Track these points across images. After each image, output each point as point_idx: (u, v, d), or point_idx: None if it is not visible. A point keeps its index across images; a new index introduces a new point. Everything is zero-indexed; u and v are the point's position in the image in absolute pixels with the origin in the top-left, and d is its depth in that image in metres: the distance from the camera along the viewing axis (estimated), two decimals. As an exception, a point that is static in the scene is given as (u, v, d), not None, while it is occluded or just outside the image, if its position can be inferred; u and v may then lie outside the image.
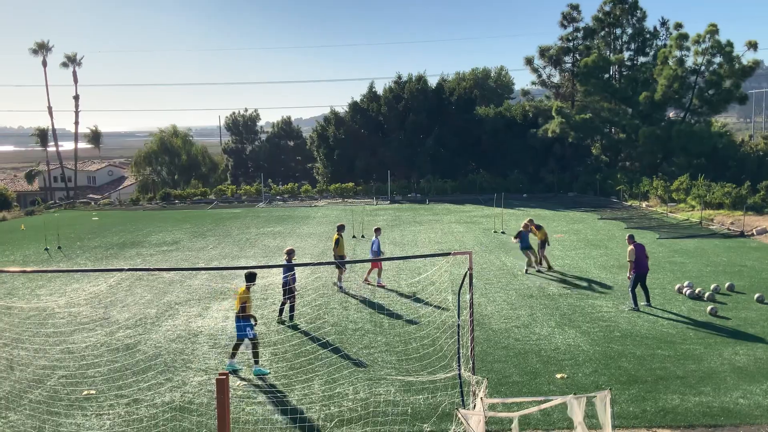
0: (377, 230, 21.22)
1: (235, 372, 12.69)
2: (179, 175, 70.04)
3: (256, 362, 12.81)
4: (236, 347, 13.04)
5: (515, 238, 22.28)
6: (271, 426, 10.43)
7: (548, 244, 22.81)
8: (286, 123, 78.59)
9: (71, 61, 69.36)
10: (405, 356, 13.37)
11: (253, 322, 12.92)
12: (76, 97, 70.17)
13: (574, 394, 9.45)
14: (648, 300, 16.91)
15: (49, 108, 69.91)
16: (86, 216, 43.53)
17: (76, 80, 70.04)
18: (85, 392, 11.88)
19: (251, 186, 56.68)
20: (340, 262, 18.52)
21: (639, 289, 16.87)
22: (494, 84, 70.27)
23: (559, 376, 12.36)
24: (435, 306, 17.03)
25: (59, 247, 28.35)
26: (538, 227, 22.81)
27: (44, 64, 68.28)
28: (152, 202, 52.83)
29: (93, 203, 57.25)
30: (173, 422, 10.55)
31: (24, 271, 21.55)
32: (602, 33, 53.57)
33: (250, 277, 13.27)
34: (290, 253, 16.48)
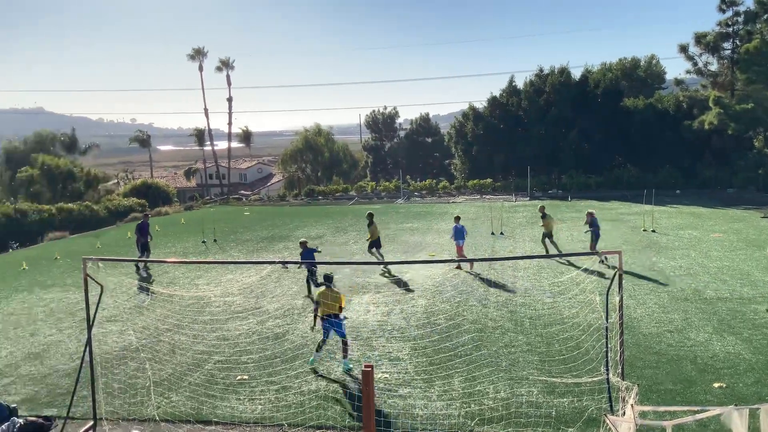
0: (457, 218, 22.46)
1: (348, 370, 12.82)
2: (322, 172, 72.71)
3: (318, 350, 13.05)
4: (344, 344, 13.06)
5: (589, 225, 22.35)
6: (411, 420, 10.54)
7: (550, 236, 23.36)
8: (424, 120, 79.18)
9: (225, 65, 73.92)
10: (548, 357, 13.01)
11: (342, 318, 13.03)
12: (230, 99, 74.76)
13: (735, 405, 8.74)
14: None
15: (205, 110, 75.04)
16: (238, 211, 46.28)
17: (229, 83, 74.60)
18: (239, 377, 12.62)
19: (390, 182, 57.64)
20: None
21: None
22: (644, 74, 66.50)
23: (716, 385, 11.50)
24: (579, 307, 16.42)
25: (215, 240, 30.34)
26: (544, 216, 23.19)
27: (200, 69, 73.31)
28: (297, 198, 55.17)
29: (244, 199, 60.74)
30: (319, 410, 10.95)
31: (183, 262, 23.25)
32: (765, 16, 49.06)
33: (328, 279, 13.31)
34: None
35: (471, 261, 19.72)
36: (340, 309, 12.94)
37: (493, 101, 57.55)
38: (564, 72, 55.53)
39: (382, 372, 12.60)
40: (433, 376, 12.27)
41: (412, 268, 21.75)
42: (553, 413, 10.51)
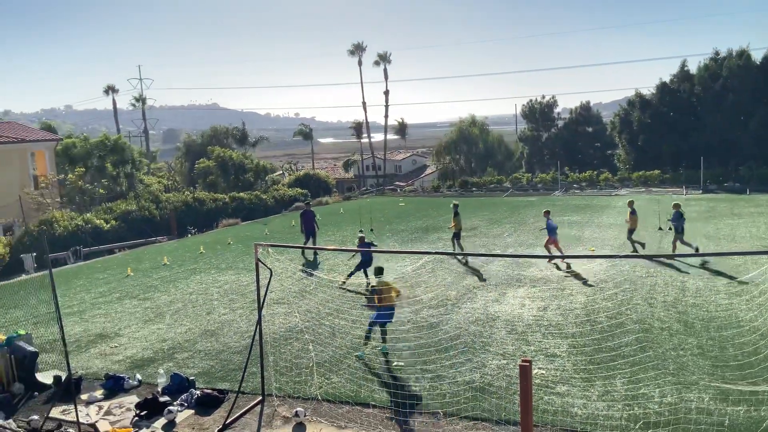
0: (547, 212, 22.71)
1: (385, 355, 13.26)
2: (476, 163, 72.25)
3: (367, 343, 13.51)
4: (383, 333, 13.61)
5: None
6: (570, 418, 10.21)
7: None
8: (585, 108, 75.92)
9: (382, 59, 75.68)
10: (721, 362, 12.05)
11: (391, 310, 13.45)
12: (386, 92, 76.45)
13: None
14: None
15: (363, 103, 77.31)
16: (393, 201, 47.26)
17: (386, 77, 76.31)
18: (395, 363, 12.91)
19: (547, 174, 56.12)
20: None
21: None
22: (841, 53, 59.36)
23: None
24: (759, 310, 15.02)
25: (371, 230, 31.17)
26: (633, 212, 22.25)
27: (359, 63, 75.64)
28: (451, 189, 55.35)
29: (399, 190, 61.92)
30: (474, 401, 10.92)
31: (343, 250, 24.12)
32: None
33: (379, 271, 14.00)
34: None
35: (551, 257, 19.92)
36: (397, 295, 13.65)
37: (662, 87, 54.16)
38: (743, 55, 50.93)
39: (538, 368, 12.32)
40: (593, 376, 11.80)
41: (569, 263, 21.04)
42: (726, 422, 9.73)
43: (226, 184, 55.66)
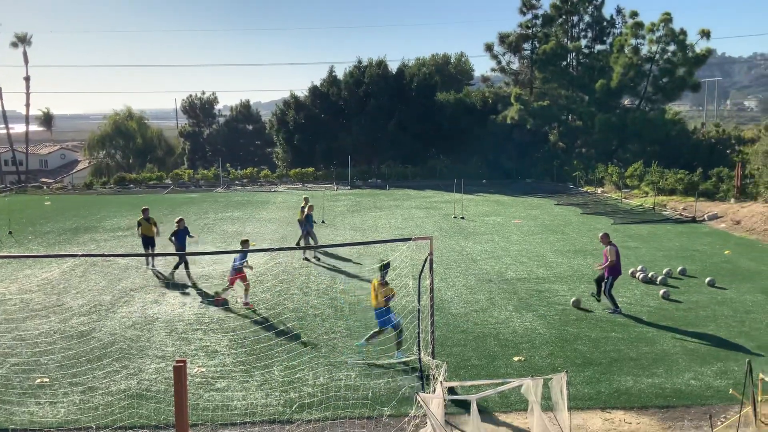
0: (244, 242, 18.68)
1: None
2: (134, 159, 68.72)
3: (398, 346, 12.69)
4: (377, 334, 12.94)
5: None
6: (230, 412, 10.37)
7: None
8: (245, 107, 77.50)
9: (21, 41, 67.18)
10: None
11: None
12: (27, 78, 68.05)
13: (531, 376, 9.63)
14: (599, 294, 16.16)
15: (-2, 89, 67.61)
16: (38, 200, 42.35)
17: (26, 61, 67.90)
18: (39, 380, 11.61)
19: (209, 170, 55.83)
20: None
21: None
22: (454, 70, 70.39)
23: (516, 359, 12.57)
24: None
25: (10, 233, 27.51)
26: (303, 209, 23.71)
27: (-9, 43, 65.97)
28: (106, 187, 51.65)
29: (45, 187, 55.71)
30: (130, 410, 10.39)
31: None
32: (560, 20, 54.03)
33: (385, 267, 13.11)
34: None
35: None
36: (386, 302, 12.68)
37: (314, 90, 57.75)
38: (381, 64, 57.11)
39: (198, 367, 12.25)
40: (252, 367, 12.15)
41: (222, 259, 21.29)
42: (370, 394, 10.87)
43: None
